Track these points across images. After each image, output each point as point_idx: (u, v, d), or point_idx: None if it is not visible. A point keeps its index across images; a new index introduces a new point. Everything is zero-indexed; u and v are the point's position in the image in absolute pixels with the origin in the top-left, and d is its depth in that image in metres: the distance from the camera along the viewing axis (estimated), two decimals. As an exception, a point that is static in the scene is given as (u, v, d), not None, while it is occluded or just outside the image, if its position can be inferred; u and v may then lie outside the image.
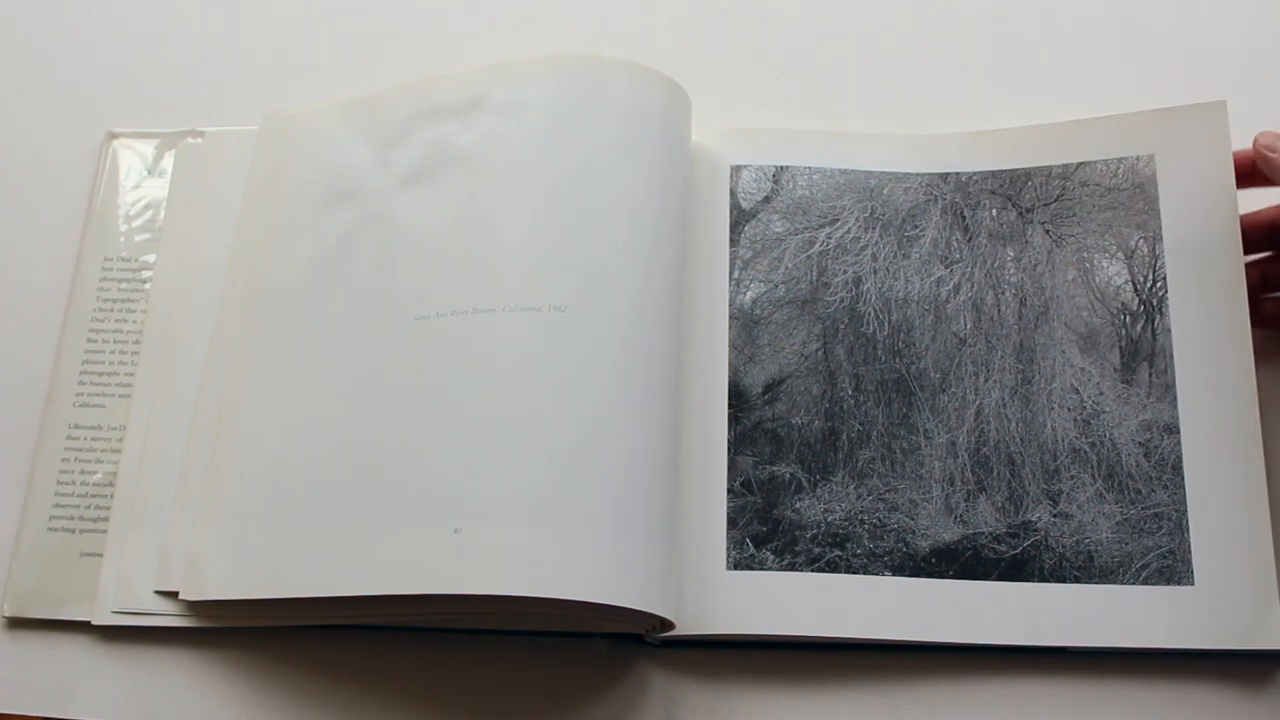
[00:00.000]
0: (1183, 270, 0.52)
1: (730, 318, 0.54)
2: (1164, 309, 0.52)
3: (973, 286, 0.54)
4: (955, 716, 0.49)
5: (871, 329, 0.54)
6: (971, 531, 0.50)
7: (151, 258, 0.59)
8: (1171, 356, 0.51)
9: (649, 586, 0.46)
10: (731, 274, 0.55)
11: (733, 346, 0.54)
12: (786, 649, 0.50)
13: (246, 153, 0.59)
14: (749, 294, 0.55)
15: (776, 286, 0.55)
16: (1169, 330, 0.52)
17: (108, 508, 0.53)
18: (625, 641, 0.51)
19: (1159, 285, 0.53)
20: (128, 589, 0.52)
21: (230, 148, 0.60)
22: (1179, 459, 0.50)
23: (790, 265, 0.55)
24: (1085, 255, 0.54)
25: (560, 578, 0.45)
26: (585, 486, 0.46)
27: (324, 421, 0.51)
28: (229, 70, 0.65)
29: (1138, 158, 0.54)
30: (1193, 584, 0.48)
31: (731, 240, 0.56)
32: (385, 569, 0.46)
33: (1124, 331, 0.53)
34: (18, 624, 0.52)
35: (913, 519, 0.51)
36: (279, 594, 0.48)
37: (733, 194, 0.57)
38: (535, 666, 0.51)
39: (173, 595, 0.51)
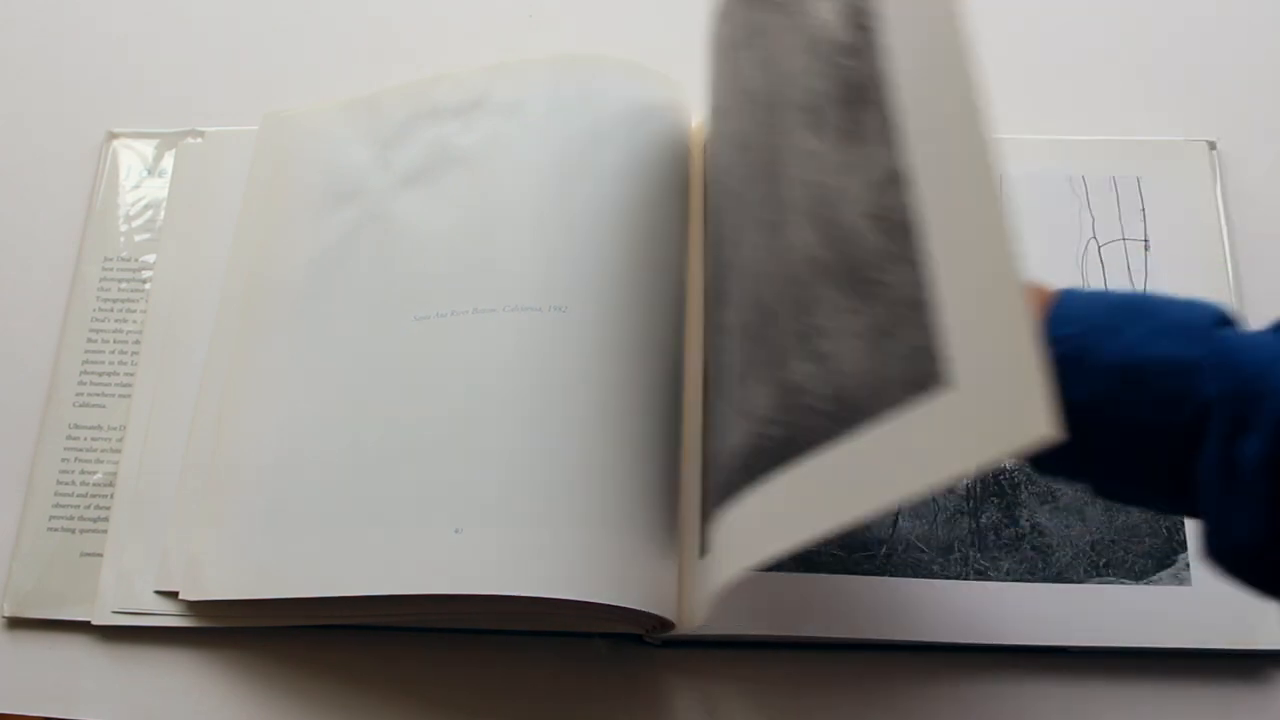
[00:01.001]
0: None
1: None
2: (879, 22, 0.38)
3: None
4: (955, 716, 0.49)
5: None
6: (756, 429, 0.39)
7: (151, 258, 0.59)
8: (897, 87, 0.36)
9: (651, 587, 0.46)
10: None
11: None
12: (786, 649, 0.50)
13: (246, 153, 0.59)
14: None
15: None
16: (889, 49, 0.37)
17: (108, 508, 0.53)
18: (625, 641, 0.51)
19: None
20: (128, 589, 0.51)
21: (230, 148, 0.60)
22: (907, 220, 0.35)
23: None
24: (807, 20, 0.40)
25: (563, 578, 0.45)
26: (587, 487, 0.46)
27: (325, 421, 0.51)
28: (229, 70, 0.65)
29: None
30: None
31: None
32: (386, 569, 0.46)
33: (843, 76, 0.38)
34: (18, 624, 0.52)
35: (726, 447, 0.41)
36: (280, 594, 0.48)
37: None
38: (535, 666, 0.50)
39: (173, 595, 0.51)
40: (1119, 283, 0.54)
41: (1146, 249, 0.54)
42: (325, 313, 0.54)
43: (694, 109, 0.56)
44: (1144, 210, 0.55)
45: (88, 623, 0.51)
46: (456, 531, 0.46)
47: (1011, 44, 0.63)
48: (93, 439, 0.55)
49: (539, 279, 0.50)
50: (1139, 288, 0.54)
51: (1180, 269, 0.54)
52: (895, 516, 0.51)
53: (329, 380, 0.52)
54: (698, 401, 0.52)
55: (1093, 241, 0.55)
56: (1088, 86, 0.61)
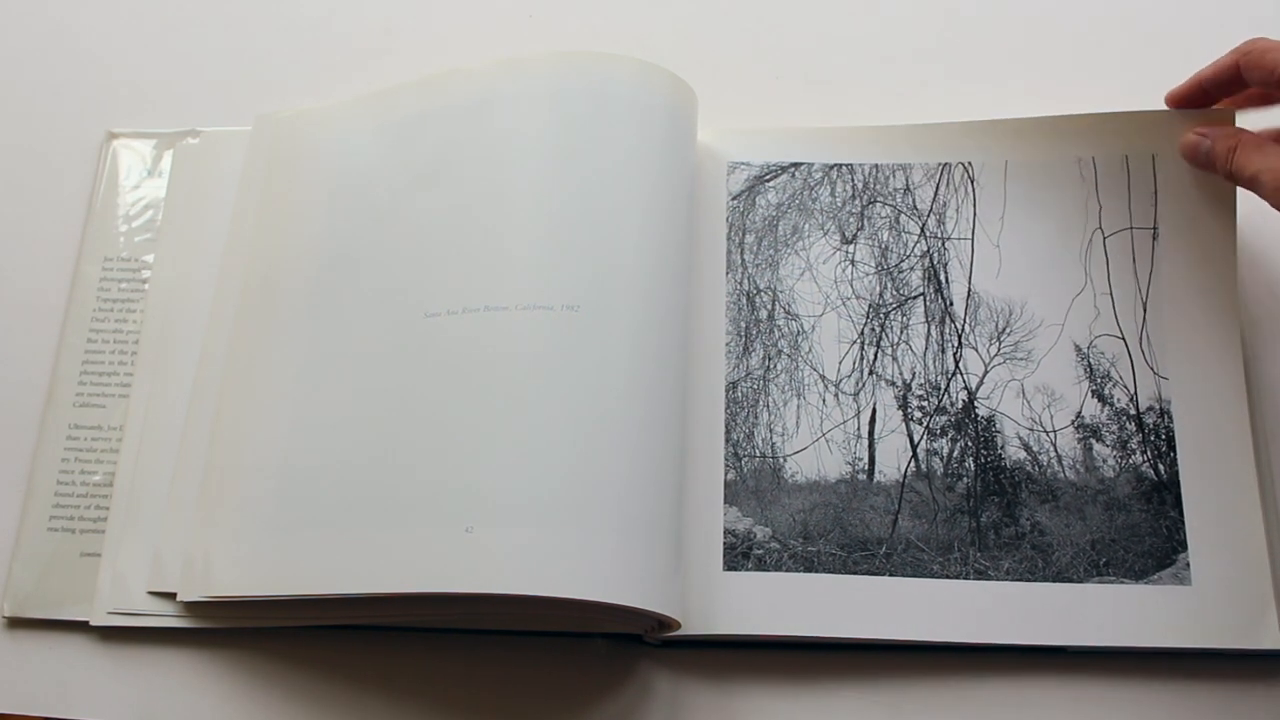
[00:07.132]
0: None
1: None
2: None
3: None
4: (955, 716, 0.49)
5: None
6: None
7: (151, 258, 0.59)
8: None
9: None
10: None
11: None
12: (786, 649, 0.50)
13: (243, 153, 0.59)
14: (746, 291, 0.54)
15: (773, 283, 0.54)
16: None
17: (107, 508, 0.53)
18: (624, 641, 0.50)
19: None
20: (123, 590, 0.51)
21: (227, 148, 0.60)
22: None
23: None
24: None
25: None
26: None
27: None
28: (229, 70, 0.65)
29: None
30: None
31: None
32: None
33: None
34: (17, 624, 0.52)
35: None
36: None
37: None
38: (535, 666, 0.50)
39: (168, 596, 0.51)
40: (1123, 276, 0.53)
41: (1155, 238, 0.53)
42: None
43: (699, 106, 0.56)
44: (1156, 194, 0.54)
45: (86, 623, 0.51)
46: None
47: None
48: (93, 439, 0.55)
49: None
50: (1144, 281, 0.53)
51: (1184, 261, 0.53)
52: (895, 516, 0.50)
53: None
54: (703, 401, 0.52)
55: (1098, 232, 0.54)
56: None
